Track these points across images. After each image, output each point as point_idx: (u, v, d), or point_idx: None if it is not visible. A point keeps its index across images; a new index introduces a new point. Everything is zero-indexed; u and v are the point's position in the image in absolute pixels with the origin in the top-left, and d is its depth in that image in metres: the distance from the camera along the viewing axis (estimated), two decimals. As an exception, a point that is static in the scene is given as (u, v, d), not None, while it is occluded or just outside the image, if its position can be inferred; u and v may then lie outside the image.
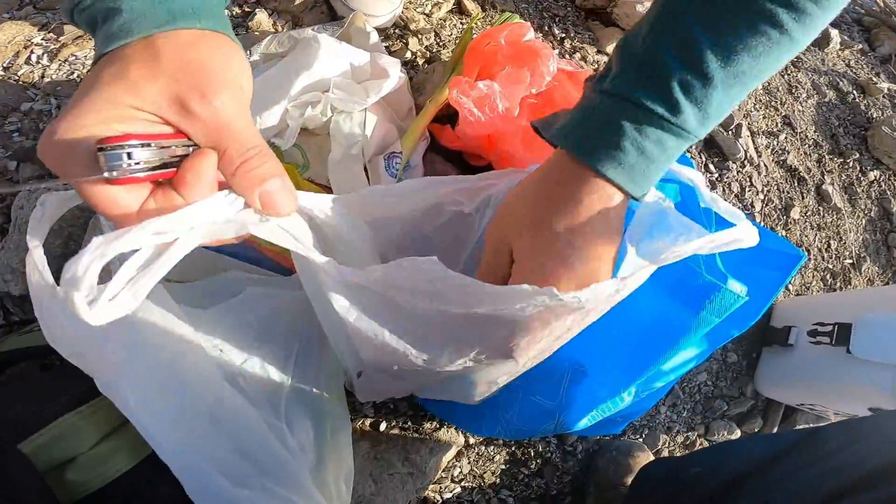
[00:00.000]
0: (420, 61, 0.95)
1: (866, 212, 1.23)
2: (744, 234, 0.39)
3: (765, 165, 1.09)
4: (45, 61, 0.85)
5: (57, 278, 0.29)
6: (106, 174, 0.26)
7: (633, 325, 0.59)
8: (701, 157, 1.02)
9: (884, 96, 1.55)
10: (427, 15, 1.03)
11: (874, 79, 1.62)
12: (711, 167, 1.02)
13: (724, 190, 1.01)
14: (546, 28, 1.07)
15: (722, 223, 0.62)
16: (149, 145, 0.27)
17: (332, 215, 0.38)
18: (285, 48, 0.70)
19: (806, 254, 0.75)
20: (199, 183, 0.29)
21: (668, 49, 0.37)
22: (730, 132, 1.07)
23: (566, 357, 0.58)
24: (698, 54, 0.36)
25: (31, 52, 0.86)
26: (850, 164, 1.27)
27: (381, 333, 0.38)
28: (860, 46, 1.78)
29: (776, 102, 1.24)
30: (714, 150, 1.05)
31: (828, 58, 1.57)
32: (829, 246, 1.13)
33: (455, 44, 0.97)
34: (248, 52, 0.70)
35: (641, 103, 0.37)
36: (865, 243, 1.19)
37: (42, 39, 0.88)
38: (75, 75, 0.85)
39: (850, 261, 1.15)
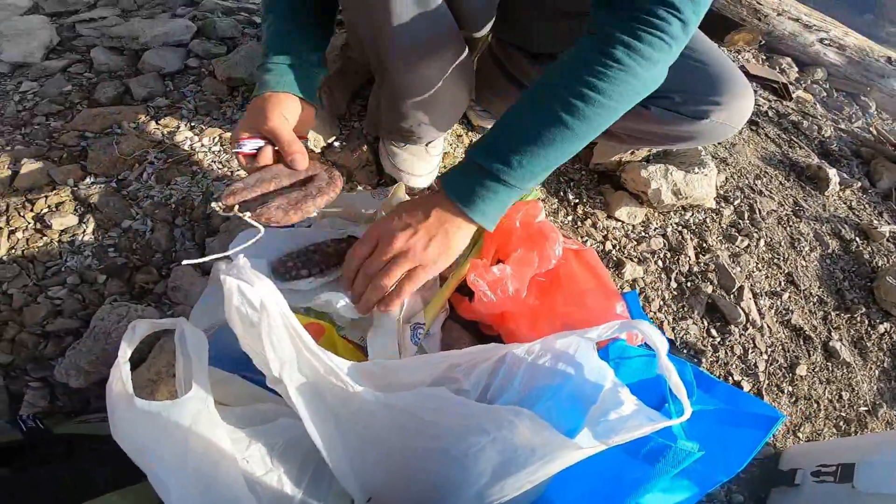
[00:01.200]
0: None
1: (878, 363, 1.26)
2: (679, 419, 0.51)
3: (768, 327, 1.15)
4: (151, 181, 0.98)
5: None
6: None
7: (594, 477, 0.63)
8: (703, 323, 1.09)
9: (887, 240, 1.63)
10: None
11: (876, 221, 1.71)
12: (714, 332, 1.08)
13: (726, 353, 1.07)
14: (561, 193, 1.19)
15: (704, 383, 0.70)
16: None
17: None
18: (339, 207, 0.84)
19: (785, 414, 0.80)
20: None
21: (497, 138, 0.65)
22: (731, 296, 1.14)
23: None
24: (511, 140, 0.63)
25: (144, 169, 0.99)
26: (858, 318, 1.32)
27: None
28: (860, 184, 1.90)
29: (779, 259, 1.33)
30: (716, 315, 1.11)
31: (829, 201, 1.68)
32: (840, 397, 1.16)
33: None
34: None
35: (478, 162, 0.64)
36: (881, 391, 1.22)
37: (154, 158, 1.02)
38: (172, 200, 0.96)
39: (866, 408, 1.18)
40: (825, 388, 1.15)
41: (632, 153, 1.23)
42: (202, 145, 1.04)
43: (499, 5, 0.90)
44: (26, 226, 0.89)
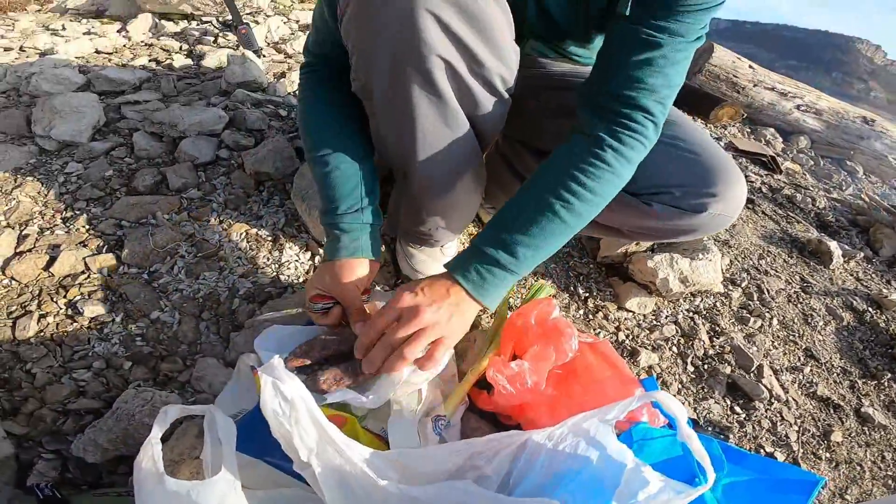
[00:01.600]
0: None
1: None
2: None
3: (794, 400, 1.15)
4: (181, 275, 1.03)
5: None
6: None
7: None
8: (725, 402, 1.09)
9: (900, 307, 1.65)
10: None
11: (885, 290, 1.73)
12: (738, 409, 1.09)
13: (753, 427, 1.06)
14: (572, 288, 1.25)
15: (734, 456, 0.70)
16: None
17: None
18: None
19: (825, 478, 0.77)
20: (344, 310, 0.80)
21: (498, 228, 0.73)
22: (751, 374, 1.16)
23: None
24: (511, 230, 0.72)
25: (175, 262, 1.05)
26: (886, 384, 1.31)
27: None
28: (863, 254, 1.94)
29: (794, 336, 1.35)
30: (738, 394, 1.12)
31: (835, 275, 1.72)
32: (882, 458, 1.13)
33: (494, 314, 1.13)
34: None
35: (482, 250, 0.72)
36: None
37: (185, 251, 1.07)
38: (200, 295, 1.00)
39: None
40: (865, 451, 1.13)
41: (636, 244, 1.30)
42: (230, 241, 1.11)
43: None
44: (58, 311, 0.94)
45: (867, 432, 1.17)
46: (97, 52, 1.84)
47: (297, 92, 1.30)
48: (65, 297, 0.96)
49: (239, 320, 0.98)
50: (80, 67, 1.65)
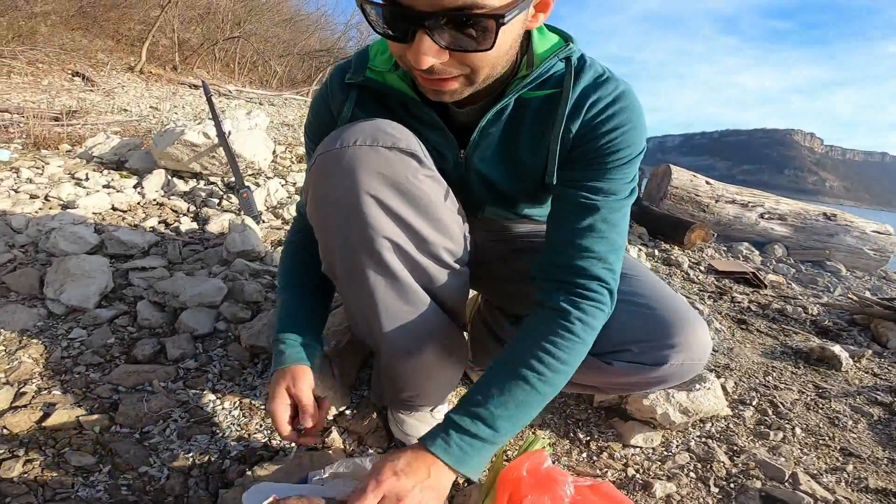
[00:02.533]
0: (461, 481, 1.01)
1: None
2: None
3: (845, 499, 1.04)
4: (173, 437, 1.04)
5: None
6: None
7: None
8: None
9: (931, 393, 1.57)
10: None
11: (906, 379, 1.67)
12: None
13: None
14: (572, 434, 1.21)
15: None
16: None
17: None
18: (350, 470, 0.87)
19: None
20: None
21: (474, 403, 0.75)
22: (786, 484, 1.06)
23: None
24: (487, 405, 0.74)
25: (168, 426, 1.06)
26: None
27: None
28: (871, 350, 1.90)
29: (825, 440, 1.27)
30: (779, 503, 1.02)
31: (850, 376, 1.67)
32: None
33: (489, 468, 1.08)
34: (323, 470, 0.88)
35: (461, 425, 0.74)
36: None
37: (178, 416, 1.09)
38: (191, 454, 1.00)
39: None
40: None
41: (627, 384, 1.29)
42: (223, 408, 1.13)
43: (478, 270, 1.03)
44: (44, 459, 0.94)
45: None
46: (113, 208, 2.02)
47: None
48: (54, 447, 0.97)
49: (229, 478, 0.97)
50: (96, 226, 1.80)
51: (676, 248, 3.22)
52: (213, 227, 1.97)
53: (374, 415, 1.15)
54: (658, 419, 1.19)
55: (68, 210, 1.94)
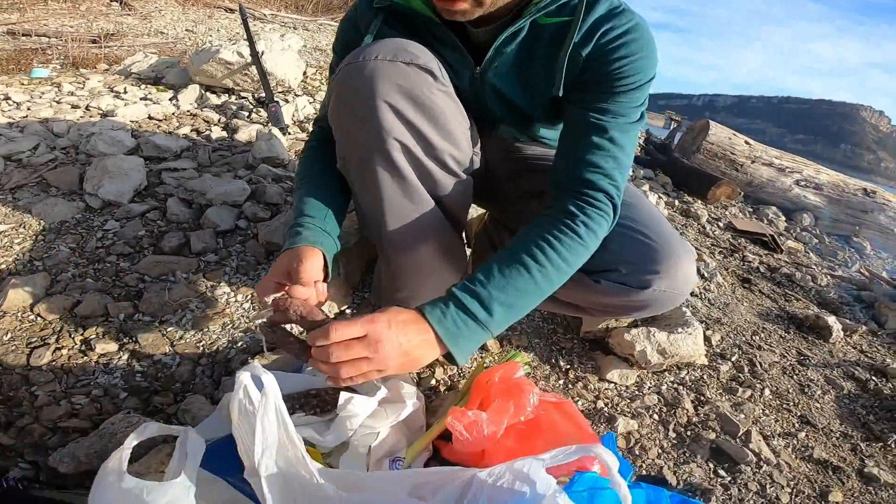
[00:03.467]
0: (442, 388, 1.16)
1: None
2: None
3: (787, 464, 1.14)
4: (188, 325, 1.15)
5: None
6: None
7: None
8: (709, 465, 1.09)
9: (911, 377, 1.63)
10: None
11: (890, 360, 1.73)
12: (722, 472, 1.08)
13: (739, 490, 1.04)
14: (553, 360, 1.31)
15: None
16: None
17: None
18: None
19: None
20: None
21: (476, 283, 0.78)
22: (738, 440, 1.16)
23: None
24: (487, 286, 0.77)
25: (185, 315, 1.17)
26: (893, 445, 1.28)
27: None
28: (867, 327, 1.95)
29: (789, 405, 1.35)
30: (723, 458, 1.11)
31: (835, 348, 1.73)
32: None
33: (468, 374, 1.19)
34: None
35: (460, 300, 0.77)
36: None
37: (195, 306, 1.20)
38: (202, 344, 1.12)
39: None
40: None
41: (616, 320, 1.37)
42: (236, 300, 1.25)
43: (487, 188, 1.13)
44: (72, 346, 1.06)
45: (873, 491, 1.14)
46: (150, 117, 2.17)
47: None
48: (82, 334, 1.09)
49: (232, 367, 1.08)
50: (133, 132, 1.93)
51: (699, 201, 3.19)
52: (242, 136, 2.09)
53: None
54: (636, 356, 1.28)
55: (107, 118, 2.07)
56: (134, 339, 1.10)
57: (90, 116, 2.10)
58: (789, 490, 1.08)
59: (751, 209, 3.50)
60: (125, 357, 1.06)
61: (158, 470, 0.73)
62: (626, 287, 0.92)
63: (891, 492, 1.16)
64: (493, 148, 1.13)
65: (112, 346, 1.07)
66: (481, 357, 1.26)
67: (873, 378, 1.58)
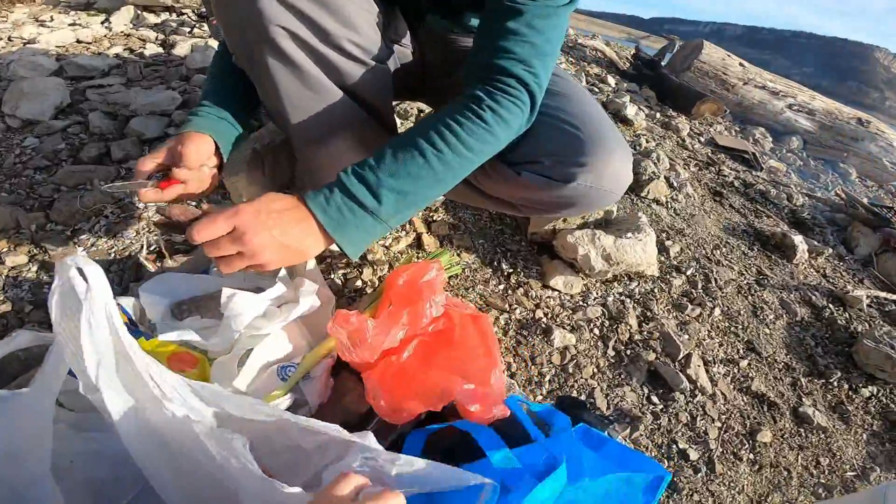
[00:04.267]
0: (369, 290, 1.05)
1: (865, 427, 1.18)
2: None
3: (722, 394, 1.10)
4: (101, 233, 1.11)
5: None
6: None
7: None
8: (643, 390, 1.04)
9: (867, 306, 1.59)
10: (386, 248, 1.17)
11: (851, 287, 1.68)
12: (655, 399, 1.03)
13: (669, 420, 1.00)
14: (496, 263, 1.20)
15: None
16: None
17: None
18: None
19: (670, 473, 0.72)
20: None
21: (367, 168, 0.70)
22: (676, 363, 1.10)
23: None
24: (377, 170, 0.69)
25: (98, 221, 1.12)
26: (835, 383, 1.26)
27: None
28: (833, 251, 1.88)
29: (738, 328, 1.29)
30: (659, 383, 1.07)
31: (797, 270, 1.66)
32: (817, 463, 1.08)
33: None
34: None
35: (346, 185, 0.69)
36: (872, 455, 1.14)
37: (110, 213, 1.15)
38: (114, 250, 1.09)
39: (853, 472, 1.09)
40: (797, 454, 1.07)
41: (564, 221, 1.25)
42: (154, 205, 1.18)
43: (426, 83, 1.05)
44: None
45: (803, 434, 1.12)
46: (78, 41, 1.98)
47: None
48: None
49: (141, 274, 1.04)
50: (58, 56, 1.80)
51: (682, 116, 3.01)
52: (180, 50, 1.97)
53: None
54: (579, 261, 1.18)
55: (29, 45, 1.91)
56: (44, 249, 1.05)
57: (13, 46, 1.92)
58: (719, 425, 1.04)
59: (738, 128, 3.35)
60: (34, 269, 1.02)
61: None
62: (549, 180, 0.84)
63: (821, 436, 1.13)
64: (428, 41, 1.06)
65: (22, 259, 1.03)
66: (418, 257, 1.14)
67: (829, 306, 1.53)
